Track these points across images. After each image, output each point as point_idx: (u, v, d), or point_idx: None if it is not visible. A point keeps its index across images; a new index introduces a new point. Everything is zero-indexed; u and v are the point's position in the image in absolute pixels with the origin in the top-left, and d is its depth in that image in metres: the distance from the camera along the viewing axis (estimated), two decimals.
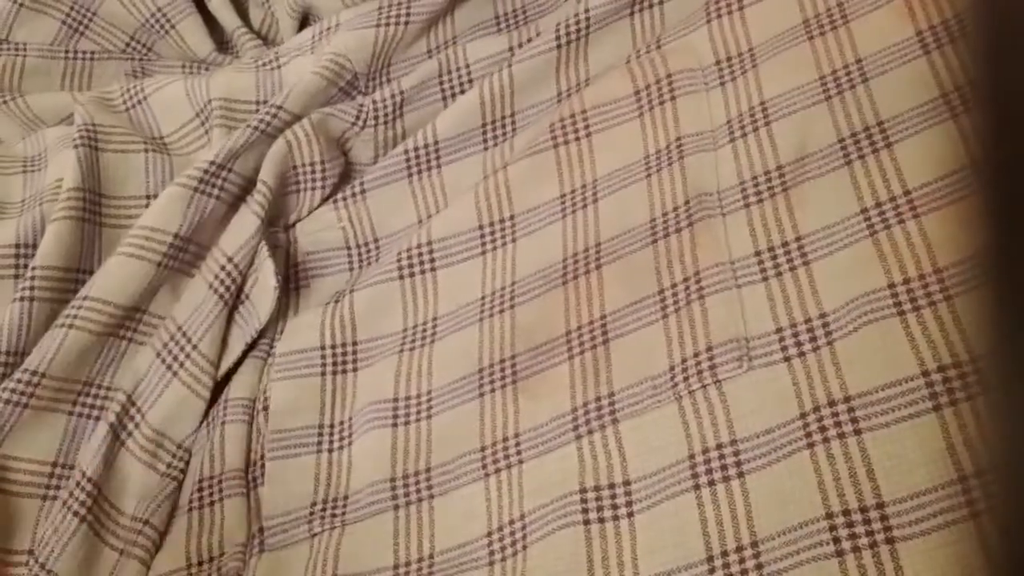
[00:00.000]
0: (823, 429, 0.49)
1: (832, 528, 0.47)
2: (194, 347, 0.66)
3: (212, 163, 0.69)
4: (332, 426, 0.62)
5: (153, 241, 0.67)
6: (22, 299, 0.66)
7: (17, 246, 0.71)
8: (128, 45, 0.88)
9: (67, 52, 0.86)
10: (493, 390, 0.59)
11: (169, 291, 0.68)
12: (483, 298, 0.63)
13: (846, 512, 0.47)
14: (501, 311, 0.61)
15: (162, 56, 0.89)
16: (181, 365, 0.65)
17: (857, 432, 0.48)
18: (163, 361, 0.66)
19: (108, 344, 0.66)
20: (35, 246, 0.70)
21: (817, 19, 0.61)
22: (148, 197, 0.73)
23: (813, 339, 0.52)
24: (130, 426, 0.65)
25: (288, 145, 0.70)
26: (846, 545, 0.46)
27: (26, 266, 0.70)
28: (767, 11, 0.63)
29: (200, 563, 0.60)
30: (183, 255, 0.68)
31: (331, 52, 0.74)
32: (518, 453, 0.56)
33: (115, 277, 0.66)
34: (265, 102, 0.76)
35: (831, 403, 0.49)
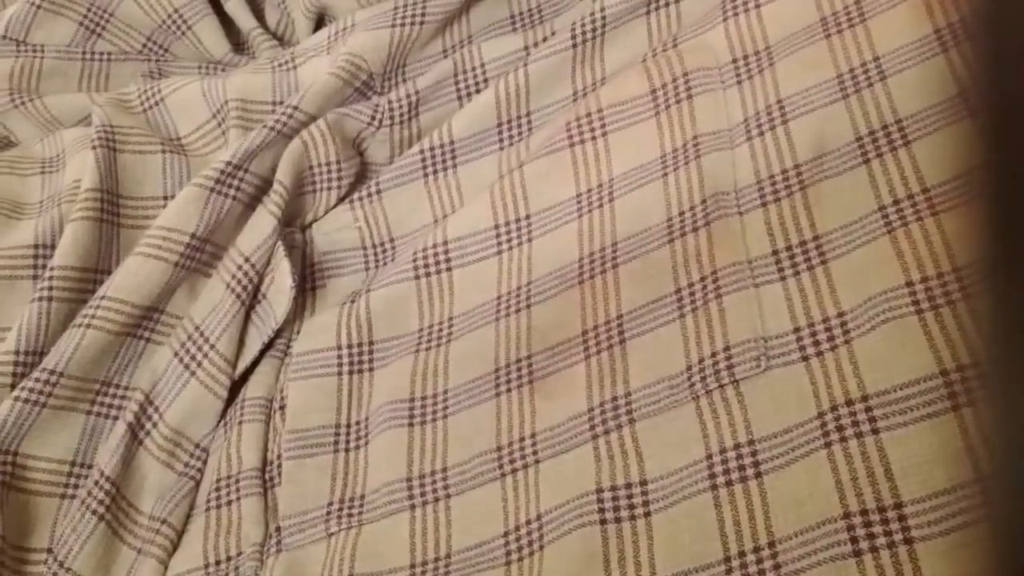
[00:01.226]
0: (840, 428, 0.49)
1: (850, 528, 0.46)
2: (211, 347, 0.66)
3: (229, 163, 0.69)
4: (348, 426, 0.62)
5: (170, 241, 0.67)
6: (40, 299, 0.66)
7: (36, 247, 0.71)
8: (145, 46, 0.88)
9: (84, 53, 0.86)
10: (509, 390, 0.59)
11: (186, 291, 0.68)
12: (499, 298, 0.63)
13: (864, 512, 0.46)
14: (517, 311, 0.61)
15: (179, 57, 0.89)
16: (199, 365, 0.66)
17: (875, 431, 0.48)
18: (181, 361, 0.66)
19: (126, 344, 0.66)
20: (53, 247, 0.71)
21: (834, 17, 0.61)
22: (166, 198, 0.74)
23: (831, 338, 0.51)
24: (148, 425, 0.65)
25: (304, 145, 0.70)
26: (864, 545, 0.46)
27: (44, 266, 0.70)
28: (784, 9, 0.63)
29: (217, 562, 0.60)
30: (200, 255, 0.69)
31: (347, 52, 0.74)
32: (534, 453, 0.56)
33: (133, 277, 0.66)
34: (281, 102, 0.76)
35: (849, 402, 0.49)
